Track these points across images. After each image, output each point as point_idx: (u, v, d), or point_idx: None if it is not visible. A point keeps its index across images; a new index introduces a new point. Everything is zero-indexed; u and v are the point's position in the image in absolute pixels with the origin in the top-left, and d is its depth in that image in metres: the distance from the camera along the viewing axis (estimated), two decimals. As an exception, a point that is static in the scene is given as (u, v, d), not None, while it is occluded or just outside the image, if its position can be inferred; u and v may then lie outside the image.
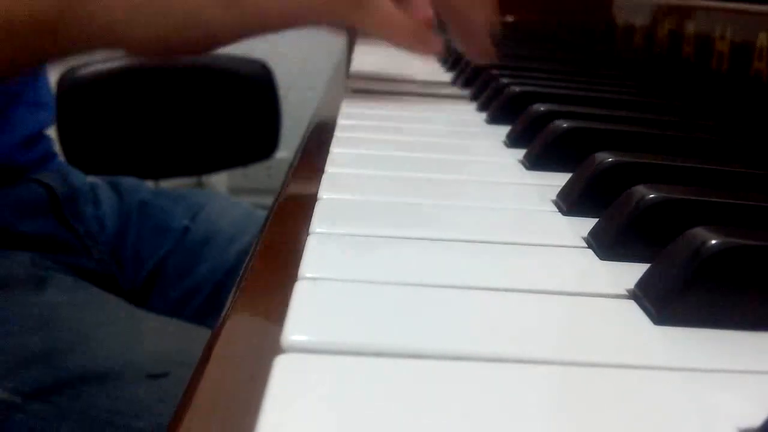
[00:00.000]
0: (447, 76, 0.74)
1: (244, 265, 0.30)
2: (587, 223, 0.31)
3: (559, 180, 0.36)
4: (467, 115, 0.56)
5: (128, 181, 0.87)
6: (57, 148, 0.86)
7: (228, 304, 0.26)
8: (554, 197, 0.35)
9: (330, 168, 0.38)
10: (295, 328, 0.21)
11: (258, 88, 1.61)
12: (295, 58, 2.03)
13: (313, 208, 0.31)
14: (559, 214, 0.34)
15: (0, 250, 0.65)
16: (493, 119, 0.53)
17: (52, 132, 0.85)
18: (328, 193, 0.33)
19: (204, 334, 0.64)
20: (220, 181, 2.31)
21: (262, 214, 0.89)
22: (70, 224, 0.72)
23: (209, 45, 0.56)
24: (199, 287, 0.78)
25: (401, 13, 0.56)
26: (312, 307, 0.22)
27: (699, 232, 0.24)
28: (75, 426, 0.53)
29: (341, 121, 0.49)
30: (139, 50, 0.56)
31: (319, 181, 0.35)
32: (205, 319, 0.76)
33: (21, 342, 0.57)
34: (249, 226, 0.83)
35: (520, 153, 0.43)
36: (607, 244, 0.28)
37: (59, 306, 0.61)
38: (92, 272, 0.71)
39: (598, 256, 0.28)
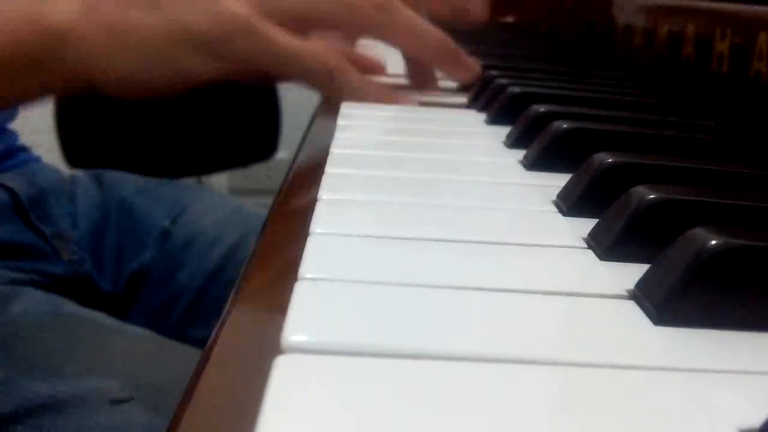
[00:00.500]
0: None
1: (244, 265, 0.30)
2: (587, 224, 0.31)
3: (559, 180, 0.36)
4: (467, 115, 0.56)
5: (112, 175, 0.85)
6: (23, 142, 0.83)
7: (228, 304, 0.26)
8: (554, 198, 0.35)
9: (330, 168, 0.38)
10: (295, 329, 0.21)
11: (258, 88, 1.61)
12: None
13: (313, 209, 0.31)
14: (559, 214, 0.34)
15: None
16: (493, 120, 0.53)
17: (22, 126, 0.82)
18: (327, 193, 0.33)
19: (178, 350, 0.63)
20: (220, 181, 2.31)
21: (249, 211, 0.88)
22: (36, 227, 0.70)
23: (189, 86, 0.56)
24: (180, 295, 0.77)
25: (370, 80, 0.57)
26: (312, 308, 0.22)
27: (699, 232, 0.24)
28: None
29: (341, 122, 0.49)
30: (114, 92, 0.56)
31: (319, 182, 0.35)
32: (187, 328, 0.75)
33: None
34: (233, 226, 0.82)
35: (520, 153, 0.43)
36: (607, 245, 0.28)
37: (22, 326, 0.60)
38: (62, 279, 0.69)
39: (598, 256, 0.28)
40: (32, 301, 0.63)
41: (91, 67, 0.53)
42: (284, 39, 0.53)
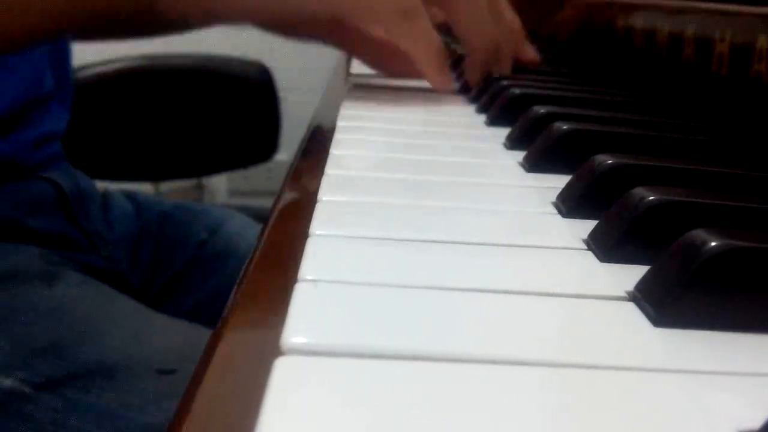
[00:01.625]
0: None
1: (244, 267, 0.30)
2: (587, 225, 0.31)
3: (558, 182, 0.36)
4: (467, 116, 0.56)
5: (145, 195, 0.89)
6: None
7: (228, 306, 0.26)
8: (554, 199, 0.35)
9: (330, 170, 0.38)
10: (295, 331, 0.21)
11: (258, 90, 1.61)
12: (295, 60, 2.03)
13: (313, 210, 0.31)
14: (559, 216, 0.34)
15: (10, 245, 0.66)
16: (493, 121, 0.53)
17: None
18: (328, 195, 0.33)
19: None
20: (220, 183, 2.31)
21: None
22: (78, 222, 0.73)
23: (239, 15, 0.59)
24: (213, 299, 0.80)
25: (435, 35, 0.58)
26: (312, 310, 0.22)
27: (698, 234, 0.24)
28: (83, 418, 0.54)
29: (341, 123, 0.49)
30: (173, 13, 0.58)
31: (319, 183, 0.35)
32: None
33: (31, 333, 0.57)
34: None
35: (520, 155, 0.43)
36: (607, 246, 0.28)
37: (69, 300, 0.62)
38: (100, 270, 0.72)
39: (597, 258, 0.28)
40: (76, 280, 0.65)
41: None
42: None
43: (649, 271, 0.25)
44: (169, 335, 0.62)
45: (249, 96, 1.60)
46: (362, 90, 0.62)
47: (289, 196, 0.39)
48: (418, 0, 0.56)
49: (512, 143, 0.46)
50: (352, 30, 0.60)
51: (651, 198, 0.28)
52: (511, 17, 0.66)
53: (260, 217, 0.90)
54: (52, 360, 0.55)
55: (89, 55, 1.36)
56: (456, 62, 0.76)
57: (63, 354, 0.56)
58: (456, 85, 0.66)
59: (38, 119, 0.74)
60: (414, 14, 0.56)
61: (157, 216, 0.84)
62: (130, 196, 0.86)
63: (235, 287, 0.28)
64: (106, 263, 0.74)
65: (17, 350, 0.56)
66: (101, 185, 0.84)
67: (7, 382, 0.54)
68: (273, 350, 0.20)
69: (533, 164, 0.41)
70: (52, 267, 0.65)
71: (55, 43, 0.75)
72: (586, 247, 0.29)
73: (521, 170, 0.41)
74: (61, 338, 0.57)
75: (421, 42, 0.57)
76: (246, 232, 0.88)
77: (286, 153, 1.69)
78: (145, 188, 1.76)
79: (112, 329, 0.60)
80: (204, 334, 0.64)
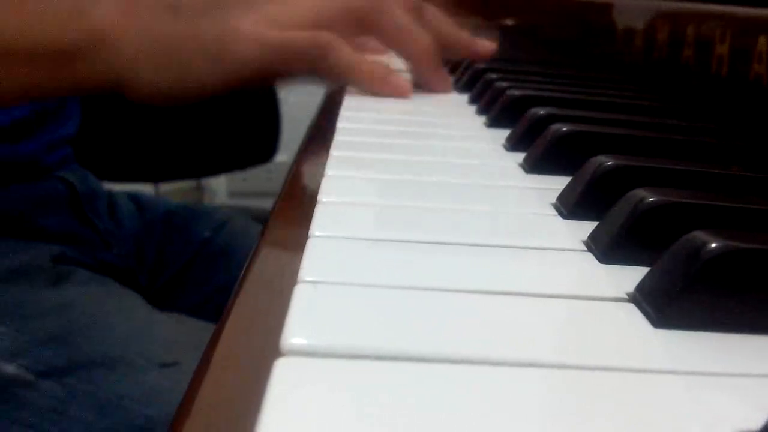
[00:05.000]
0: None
1: (244, 267, 0.30)
2: (587, 227, 0.31)
3: (558, 183, 0.36)
4: (466, 118, 0.56)
5: (147, 196, 0.90)
6: None
7: (228, 306, 0.26)
8: (554, 201, 0.35)
9: (330, 171, 0.38)
10: (295, 332, 0.21)
11: (258, 90, 1.61)
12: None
13: (313, 212, 0.31)
14: (559, 217, 0.34)
15: (21, 242, 0.66)
16: (493, 123, 0.53)
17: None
18: (327, 196, 0.33)
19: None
20: (219, 184, 2.31)
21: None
22: (90, 220, 0.74)
23: (201, 95, 0.59)
24: (218, 295, 0.81)
25: (363, 57, 0.59)
26: (312, 311, 0.22)
27: (699, 235, 0.24)
28: (84, 408, 0.54)
29: (341, 125, 0.49)
30: (142, 98, 0.58)
31: (319, 185, 0.35)
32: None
33: (37, 323, 0.58)
34: None
35: (520, 156, 0.43)
36: (607, 248, 0.28)
37: (76, 295, 0.63)
38: (111, 265, 0.73)
39: (597, 259, 0.28)
40: (84, 278, 0.66)
41: (124, 71, 0.55)
42: (280, 34, 0.56)
43: (649, 273, 0.25)
44: (172, 329, 0.63)
45: (249, 97, 1.60)
46: (362, 91, 0.62)
47: (289, 197, 0.39)
48: (331, 36, 0.57)
49: (512, 145, 0.46)
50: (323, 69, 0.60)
51: (651, 199, 0.28)
52: (432, 12, 0.67)
53: (260, 218, 0.90)
54: (56, 349, 0.56)
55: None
56: (455, 65, 0.76)
57: (66, 344, 0.57)
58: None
59: (55, 122, 0.75)
60: (330, 51, 0.57)
61: (160, 215, 0.85)
62: (133, 197, 0.87)
63: (235, 288, 0.28)
64: (118, 260, 0.75)
65: (22, 338, 0.56)
66: (106, 186, 0.85)
67: (10, 368, 0.54)
68: (273, 351, 0.20)
69: (533, 165, 0.41)
70: (62, 265, 0.66)
71: None
72: (586, 249, 0.29)
73: (521, 171, 0.41)
74: (66, 330, 0.58)
75: (347, 72, 0.58)
76: (247, 231, 0.89)
77: (286, 154, 1.69)
78: (144, 189, 1.75)
79: (116, 323, 0.61)
80: (207, 328, 0.64)
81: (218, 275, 0.82)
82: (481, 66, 0.69)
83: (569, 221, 0.33)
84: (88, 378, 0.55)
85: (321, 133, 0.51)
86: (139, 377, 0.56)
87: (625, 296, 0.25)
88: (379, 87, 0.60)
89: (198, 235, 0.85)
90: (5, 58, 0.54)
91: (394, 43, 0.62)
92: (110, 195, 0.83)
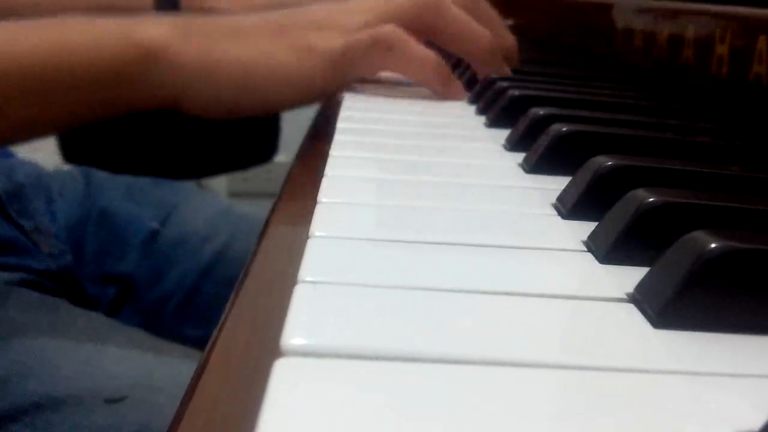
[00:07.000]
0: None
1: (244, 267, 0.30)
2: (587, 227, 0.31)
3: (558, 183, 0.36)
4: (466, 118, 0.56)
5: (101, 175, 0.85)
6: None
7: (227, 307, 0.26)
8: (554, 201, 0.35)
9: (330, 171, 0.38)
10: (295, 332, 0.21)
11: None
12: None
13: (313, 212, 0.31)
14: (559, 217, 0.34)
15: None
16: (493, 123, 0.53)
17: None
18: (327, 196, 0.33)
19: (172, 350, 0.63)
20: (219, 184, 2.31)
21: (238, 211, 0.89)
22: (15, 221, 0.70)
23: (270, 112, 0.61)
24: (172, 293, 0.77)
25: (430, 52, 0.59)
26: (311, 311, 0.22)
27: (699, 235, 0.24)
28: None
29: (341, 125, 0.49)
30: (198, 112, 0.58)
31: (319, 185, 0.35)
32: (181, 326, 0.75)
33: None
34: (224, 225, 0.83)
35: (520, 156, 0.43)
36: (607, 248, 0.28)
37: (18, 326, 0.59)
38: (46, 274, 0.69)
39: (597, 259, 0.28)
40: (28, 300, 0.63)
41: (180, 88, 0.55)
42: (343, 40, 0.57)
43: (649, 273, 0.25)
44: (121, 358, 0.60)
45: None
46: (362, 92, 0.62)
47: (288, 197, 0.39)
48: (398, 31, 0.57)
49: (512, 145, 0.46)
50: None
51: (651, 199, 0.28)
52: (485, 7, 0.67)
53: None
54: None
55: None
56: (456, 64, 0.76)
57: (9, 388, 0.54)
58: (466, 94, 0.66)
59: None
60: (393, 44, 0.57)
61: (100, 210, 0.80)
62: (86, 175, 0.83)
63: (235, 288, 0.28)
64: (51, 263, 0.71)
65: None
66: (54, 166, 0.79)
67: None
68: (272, 351, 0.20)
69: (533, 166, 0.41)
70: (1, 287, 0.62)
71: None
72: (585, 249, 0.29)
73: (521, 171, 0.41)
74: (8, 372, 0.55)
75: (413, 65, 0.58)
76: (202, 209, 0.85)
77: (286, 154, 1.69)
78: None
79: (62, 359, 0.57)
80: (160, 348, 0.62)
81: (171, 272, 0.78)
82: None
83: (569, 221, 0.33)
84: (32, 424, 0.52)
85: (321, 133, 0.51)
86: (86, 417, 0.53)
87: (625, 296, 0.25)
88: (441, 86, 0.60)
89: (141, 230, 0.80)
90: (47, 86, 0.53)
91: (455, 41, 0.62)
92: (53, 177, 0.78)
